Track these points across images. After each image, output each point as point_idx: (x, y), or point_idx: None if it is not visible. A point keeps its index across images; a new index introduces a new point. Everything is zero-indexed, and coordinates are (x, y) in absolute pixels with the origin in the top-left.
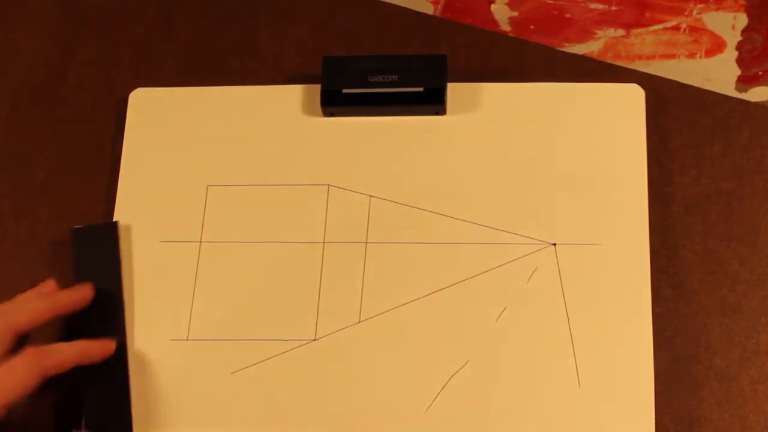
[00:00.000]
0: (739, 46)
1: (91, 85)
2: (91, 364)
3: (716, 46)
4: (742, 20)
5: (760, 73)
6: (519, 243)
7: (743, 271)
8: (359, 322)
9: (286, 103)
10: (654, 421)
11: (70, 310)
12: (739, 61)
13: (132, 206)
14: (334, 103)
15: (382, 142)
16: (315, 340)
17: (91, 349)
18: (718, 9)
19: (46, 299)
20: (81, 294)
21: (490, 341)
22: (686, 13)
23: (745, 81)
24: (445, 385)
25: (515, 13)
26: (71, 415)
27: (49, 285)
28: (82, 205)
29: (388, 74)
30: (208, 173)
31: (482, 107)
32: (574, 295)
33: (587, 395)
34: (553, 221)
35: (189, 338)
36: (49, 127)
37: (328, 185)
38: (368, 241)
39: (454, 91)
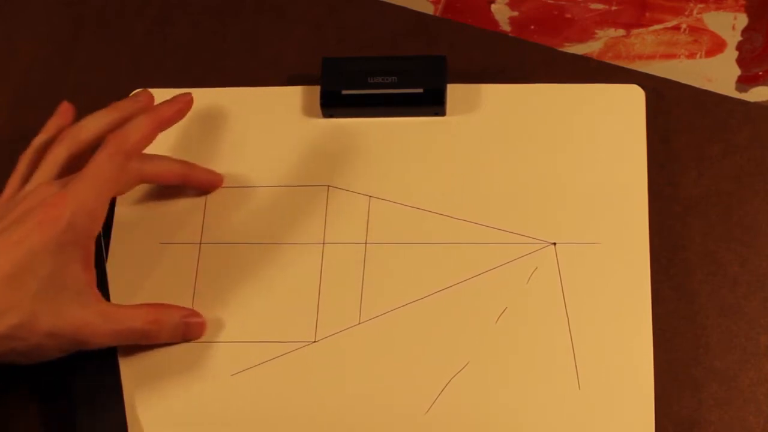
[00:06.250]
0: (740, 46)
1: (91, 86)
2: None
3: (716, 46)
4: (743, 20)
5: (761, 73)
6: (519, 243)
7: (743, 272)
8: (359, 323)
9: (286, 104)
10: (654, 423)
11: (172, 124)
12: (740, 61)
13: (132, 207)
14: (333, 105)
15: (381, 143)
16: (315, 342)
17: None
18: (718, 9)
19: (150, 115)
20: (183, 103)
21: (490, 342)
22: (686, 13)
23: (745, 81)
24: (445, 386)
25: (515, 13)
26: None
27: (145, 95)
28: None
29: (387, 75)
30: None
31: (482, 108)
32: (574, 295)
33: (587, 396)
34: (552, 221)
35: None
36: None
37: (328, 186)
38: (368, 241)
39: (454, 91)
